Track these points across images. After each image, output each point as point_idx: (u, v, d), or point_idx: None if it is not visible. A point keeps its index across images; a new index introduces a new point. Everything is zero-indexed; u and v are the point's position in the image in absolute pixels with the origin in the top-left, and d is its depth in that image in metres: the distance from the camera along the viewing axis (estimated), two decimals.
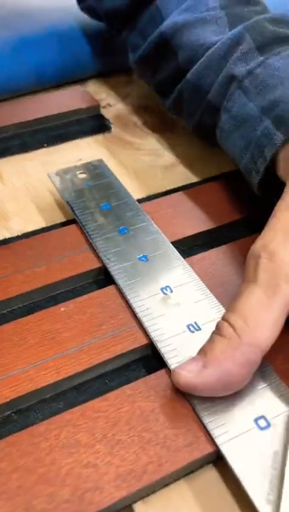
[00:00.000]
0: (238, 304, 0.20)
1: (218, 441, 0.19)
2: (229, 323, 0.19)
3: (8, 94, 0.41)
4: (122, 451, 0.19)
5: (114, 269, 0.25)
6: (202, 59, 0.30)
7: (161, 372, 0.21)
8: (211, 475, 0.19)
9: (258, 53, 0.27)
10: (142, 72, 0.36)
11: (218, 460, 0.19)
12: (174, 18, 0.32)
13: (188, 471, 0.19)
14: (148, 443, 0.19)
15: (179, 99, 0.32)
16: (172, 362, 0.21)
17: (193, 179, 0.33)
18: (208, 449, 0.19)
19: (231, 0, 0.31)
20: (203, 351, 0.20)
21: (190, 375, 0.19)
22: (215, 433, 0.19)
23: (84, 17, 0.42)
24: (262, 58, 0.27)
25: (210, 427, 0.19)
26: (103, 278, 0.26)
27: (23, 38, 0.41)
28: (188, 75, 0.31)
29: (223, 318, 0.20)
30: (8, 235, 0.29)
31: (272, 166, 0.25)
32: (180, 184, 0.32)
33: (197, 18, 0.31)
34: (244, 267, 0.26)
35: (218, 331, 0.20)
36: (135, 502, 0.18)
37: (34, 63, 0.41)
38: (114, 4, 0.36)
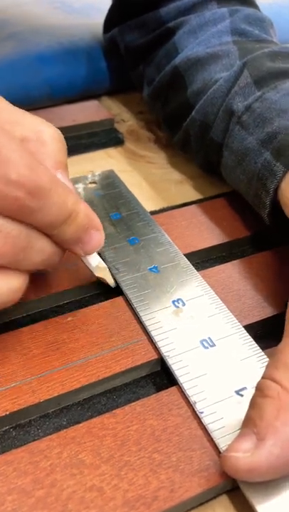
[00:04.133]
0: (281, 358, 0.17)
1: None
2: (274, 381, 0.16)
3: (23, 107, 0.41)
4: (130, 473, 0.17)
5: (124, 280, 0.24)
6: (206, 95, 0.30)
7: (174, 389, 0.20)
8: (224, 506, 0.17)
9: (255, 88, 0.28)
10: (153, 104, 0.37)
11: (233, 490, 0.17)
12: (187, 52, 0.33)
13: (203, 500, 0.17)
14: (159, 466, 0.17)
15: (186, 137, 0.32)
16: (184, 379, 0.20)
17: (206, 194, 0.32)
18: (226, 476, 0.17)
19: (244, 37, 0.32)
20: (250, 421, 0.16)
21: (246, 456, 0.15)
22: None
23: (100, 34, 0.42)
24: (259, 93, 0.27)
25: None
26: (111, 289, 0.25)
27: (40, 53, 0.41)
28: (194, 113, 0.31)
29: (266, 377, 0.17)
30: None
31: (277, 198, 0.24)
32: (193, 198, 0.32)
33: (209, 54, 0.31)
34: (263, 281, 0.24)
35: (261, 392, 0.17)
36: None
37: (49, 78, 0.41)
38: (134, 39, 0.37)
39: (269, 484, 0.16)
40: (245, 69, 0.28)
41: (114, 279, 0.25)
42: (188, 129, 0.32)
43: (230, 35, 0.32)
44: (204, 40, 0.32)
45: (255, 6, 0.35)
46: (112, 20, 0.40)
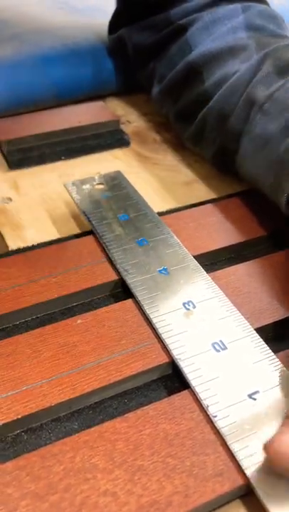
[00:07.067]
0: None
1: (248, 473, 0.17)
2: None
3: (28, 108, 0.40)
4: (143, 478, 0.17)
5: (133, 282, 0.24)
6: (226, 85, 0.30)
7: (186, 393, 0.19)
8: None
9: (277, 77, 0.28)
10: (163, 102, 0.36)
11: (248, 495, 0.17)
12: (202, 48, 0.32)
13: (216, 506, 0.17)
14: (173, 470, 0.17)
15: (201, 128, 0.32)
16: (196, 383, 0.20)
17: (214, 195, 0.32)
18: (240, 481, 0.17)
19: (259, 32, 0.32)
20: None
21: None
22: (244, 464, 0.17)
23: (105, 35, 0.42)
24: (281, 82, 0.27)
25: (239, 456, 0.17)
26: (121, 291, 0.25)
27: (44, 54, 0.41)
28: (212, 103, 0.31)
29: None
30: (22, 245, 0.28)
31: None
32: (201, 199, 0.31)
33: (225, 48, 0.31)
34: (274, 283, 0.24)
35: None
36: None
37: (54, 79, 0.41)
38: (144, 39, 0.37)
39: (286, 489, 0.16)
40: (266, 59, 0.28)
41: (125, 283, 0.24)
42: (204, 118, 0.31)
43: (245, 30, 0.32)
44: (218, 36, 0.32)
45: (266, 3, 0.35)
46: (118, 22, 0.40)
